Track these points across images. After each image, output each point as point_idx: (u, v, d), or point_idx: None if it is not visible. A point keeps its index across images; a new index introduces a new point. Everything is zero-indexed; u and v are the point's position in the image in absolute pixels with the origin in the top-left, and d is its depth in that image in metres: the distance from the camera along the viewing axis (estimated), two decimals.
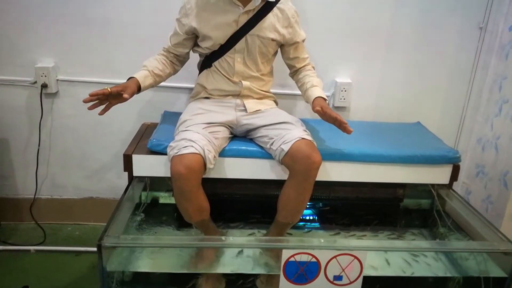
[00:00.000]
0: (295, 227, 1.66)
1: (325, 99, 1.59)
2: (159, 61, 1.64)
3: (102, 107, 1.47)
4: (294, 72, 1.76)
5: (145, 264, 1.48)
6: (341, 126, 1.46)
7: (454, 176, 1.70)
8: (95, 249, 1.27)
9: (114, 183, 2.12)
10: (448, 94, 2.08)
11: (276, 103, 1.78)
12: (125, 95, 1.44)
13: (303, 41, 1.69)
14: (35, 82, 1.92)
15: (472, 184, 2.10)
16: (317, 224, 1.86)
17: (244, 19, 1.57)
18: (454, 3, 1.93)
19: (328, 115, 1.47)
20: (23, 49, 1.90)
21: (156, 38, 1.87)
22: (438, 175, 1.69)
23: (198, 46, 1.66)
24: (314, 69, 1.74)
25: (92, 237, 2.07)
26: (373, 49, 1.99)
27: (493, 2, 1.92)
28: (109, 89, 1.42)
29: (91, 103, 1.43)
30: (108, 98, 1.45)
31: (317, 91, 1.61)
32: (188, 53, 1.70)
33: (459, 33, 1.98)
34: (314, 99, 1.58)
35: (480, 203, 2.02)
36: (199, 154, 1.39)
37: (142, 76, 1.56)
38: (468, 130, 2.12)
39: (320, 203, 1.87)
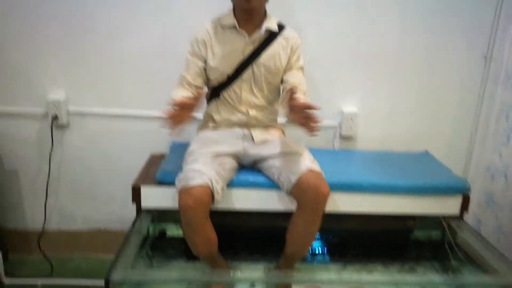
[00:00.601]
0: (304, 260, 1.64)
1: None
2: (187, 90, 1.61)
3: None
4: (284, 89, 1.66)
5: None
6: (310, 119, 1.29)
7: (465, 206, 1.68)
8: (102, 282, 1.26)
9: (123, 214, 2.11)
10: (456, 123, 2.08)
11: (283, 133, 1.79)
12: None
13: (301, 68, 1.69)
14: (46, 114, 1.96)
15: (482, 214, 2.07)
16: (326, 257, 1.83)
17: (250, 49, 1.61)
18: (459, 33, 1.95)
19: (298, 104, 1.34)
20: (35, 82, 1.94)
21: (166, 71, 1.92)
22: (448, 206, 1.68)
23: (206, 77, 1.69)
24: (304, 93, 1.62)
25: (100, 270, 2.04)
26: (379, 79, 2.01)
27: (497, 32, 1.94)
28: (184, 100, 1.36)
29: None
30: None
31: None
32: (204, 83, 1.69)
33: (464, 62, 1.99)
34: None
35: (491, 233, 1.98)
36: (207, 186, 1.40)
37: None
38: (477, 159, 2.11)
39: (329, 235, 1.85)
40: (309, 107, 1.28)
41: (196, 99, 1.39)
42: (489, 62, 1.99)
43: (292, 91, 1.40)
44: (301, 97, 1.40)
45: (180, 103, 1.33)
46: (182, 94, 1.55)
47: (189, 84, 1.62)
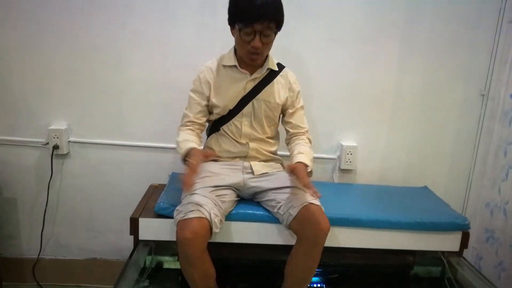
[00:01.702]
0: None
1: (306, 165, 1.53)
2: (192, 135, 1.62)
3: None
4: (289, 139, 1.75)
5: None
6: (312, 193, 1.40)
7: (464, 243, 1.67)
8: None
9: (119, 244, 2.10)
10: (454, 159, 2.10)
11: (283, 166, 1.80)
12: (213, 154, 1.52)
13: (302, 108, 1.73)
14: (47, 143, 1.97)
15: (482, 250, 2.05)
16: None
17: (250, 86, 1.64)
18: (456, 71, 1.99)
19: (300, 180, 1.42)
20: (37, 111, 1.96)
21: (167, 103, 1.97)
22: (448, 242, 1.67)
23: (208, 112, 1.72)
24: (310, 141, 1.71)
25: None
26: (378, 114, 2.04)
27: (493, 70, 1.98)
28: (194, 163, 1.40)
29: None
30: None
31: (300, 157, 1.56)
32: (206, 120, 1.72)
33: (462, 100, 2.03)
34: (295, 162, 1.54)
35: (492, 269, 1.97)
36: (206, 219, 1.39)
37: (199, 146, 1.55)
38: (476, 195, 2.11)
39: (329, 270, 1.82)
40: (308, 187, 1.38)
41: (206, 157, 1.45)
42: (486, 100, 2.02)
43: (295, 170, 1.46)
44: (304, 179, 1.42)
45: (192, 169, 1.38)
46: (187, 139, 1.56)
47: (193, 123, 1.65)
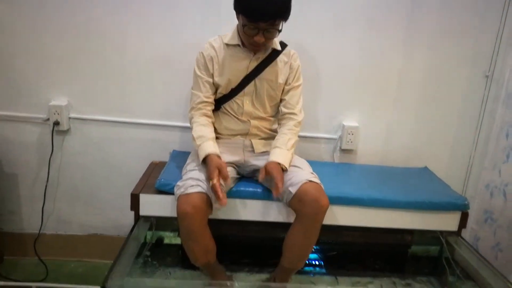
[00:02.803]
0: (301, 272, 1.64)
1: (279, 163, 1.53)
2: (207, 126, 1.61)
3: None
4: (280, 120, 1.72)
5: None
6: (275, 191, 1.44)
7: (463, 223, 1.68)
8: (97, 287, 1.25)
9: (120, 220, 2.11)
10: (456, 140, 2.09)
11: None
12: (228, 181, 1.48)
13: (298, 86, 1.70)
14: (48, 120, 1.96)
15: (481, 231, 2.07)
16: (323, 269, 1.83)
17: (253, 65, 1.63)
18: (461, 52, 1.97)
19: (275, 180, 1.44)
20: (38, 88, 1.94)
21: (168, 81, 1.95)
22: (447, 222, 1.68)
23: None
24: (299, 124, 1.68)
25: (95, 275, 2.04)
26: (381, 94, 2.02)
27: (499, 51, 1.96)
28: (215, 181, 1.39)
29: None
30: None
31: (274, 155, 1.56)
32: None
33: (466, 81, 2.01)
34: (268, 163, 1.54)
35: (489, 250, 1.98)
36: (206, 194, 1.40)
37: (214, 147, 1.54)
38: (476, 176, 2.11)
39: (327, 248, 1.84)
40: (275, 187, 1.43)
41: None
42: (490, 81, 2.00)
43: (266, 171, 1.49)
44: (274, 174, 1.46)
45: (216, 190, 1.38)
46: (203, 135, 1.55)
47: (205, 103, 1.63)
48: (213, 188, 1.39)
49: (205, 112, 1.63)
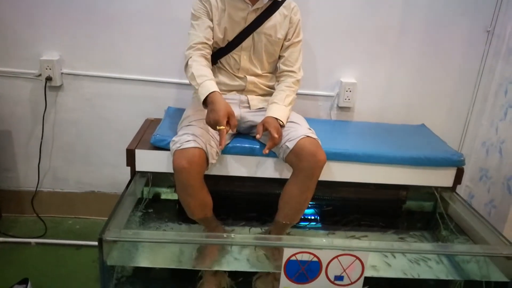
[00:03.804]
0: (296, 226, 1.66)
1: (276, 119, 1.51)
2: (207, 67, 1.52)
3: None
4: (278, 77, 1.69)
5: (146, 260, 1.48)
6: (269, 143, 1.45)
7: (458, 179, 1.69)
8: (95, 243, 1.27)
9: (116, 177, 2.11)
10: (454, 97, 2.07)
11: None
12: (234, 130, 1.41)
13: (299, 42, 1.66)
14: (40, 75, 1.92)
15: (475, 188, 2.09)
16: (318, 224, 1.85)
17: (252, 17, 1.58)
18: (462, 6, 1.92)
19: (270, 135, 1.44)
20: (28, 42, 1.89)
21: (162, 36, 1.90)
22: (442, 177, 1.69)
23: None
24: (298, 82, 1.66)
25: (93, 231, 2.07)
26: (379, 50, 1.98)
27: (501, 6, 1.91)
28: (223, 127, 1.35)
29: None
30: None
31: (271, 110, 1.54)
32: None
33: (466, 36, 1.97)
34: (265, 117, 1.53)
35: (483, 207, 2.01)
36: (202, 149, 1.40)
37: (216, 86, 1.44)
38: (473, 134, 2.11)
39: (322, 203, 1.86)
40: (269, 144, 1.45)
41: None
42: (491, 37, 1.96)
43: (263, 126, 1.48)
44: (271, 132, 1.44)
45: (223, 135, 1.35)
46: (203, 74, 1.45)
47: (204, 45, 1.54)
48: (220, 134, 1.34)
49: (205, 54, 1.54)
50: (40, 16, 1.86)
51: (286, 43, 1.64)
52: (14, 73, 1.93)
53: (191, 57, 1.51)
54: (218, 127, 1.35)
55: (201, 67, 1.48)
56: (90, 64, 1.95)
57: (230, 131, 1.41)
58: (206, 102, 1.41)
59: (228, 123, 1.36)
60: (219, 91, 1.42)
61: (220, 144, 1.35)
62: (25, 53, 1.90)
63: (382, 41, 1.97)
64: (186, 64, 1.52)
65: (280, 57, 1.67)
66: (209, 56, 1.57)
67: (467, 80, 2.04)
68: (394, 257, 1.54)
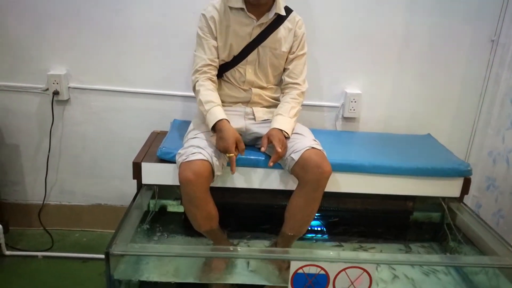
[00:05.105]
0: (303, 238, 1.65)
1: (281, 130, 1.52)
2: (214, 90, 1.57)
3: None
4: (283, 90, 1.70)
5: (152, 273, 1.48)
6: (273, 156, 1.47)
7: (465, 189, 1.68)
8: (102, 256, 1.27)
9: (123, 190, 2.12)
10: (459, 107, 2.07)
11: None
12: (243, 154, 1.48)
13: (303, 55, 1.67)
14: (47, 89, 1.94)
15: (482, 198, 2.07)
16: (325, 236, 1.84)
17: (257, 32, 1.59)
18: (466, 16, 1.92)
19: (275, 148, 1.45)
20: (36, 57, 1.92)
21: (169, 49, 1.92)
22: (449, 188, 1.68)
23: None
24: (303, 94, 1.67)
25: (99, 244, 2.07)
26: (384, 60, 1.99)
27: (505, 15, 1.91)
28: (233, 154, 1.43)
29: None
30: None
31: (276, 122, 1.55)
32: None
33: (471, 45, 1.97)
34: (270, 130, 1.53)
35: (490, 217, 1.99)
36: (207, 161, 1.40)
37: (223, 113, 1.51)
38: (479, 143, 2.10)
39: (329, 215, 1.85)
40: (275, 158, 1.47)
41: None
42: (496, 46, 1.96)
43: (268, 139, 1.50)
44: (276, 145, 1.46)
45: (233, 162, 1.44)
46: (211, 100, 1.51)
47: (209, 67, 1.58)
48: (230, 161, 1.43)
49: (210, 77, 1.58)
50: (47, 31, 1.88)
51: (291, 56, 1.65)
52: (22, 88, 1.96)
53: (197, 81, 1.57)
54: (227, 155, 1.43)
55: (208, 92, 1.53)
56: (97, 78, 1.97)
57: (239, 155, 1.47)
58: (214, 129, 1.48)
59: (236, 148, 1.44)
60: (226, 118, 1.48)
61: (231, 170, 1.44)
62: (33, 68, 1.93)
63: (386, 51, 1.97)
64: (194, 88, 1.59)
65: (284, 69, 1.68)
66: (215, 77, 1.61)
67: (473, 89, 2.04)
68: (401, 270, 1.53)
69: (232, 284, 1.51)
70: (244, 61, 1.62)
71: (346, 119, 2.07)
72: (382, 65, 2.00)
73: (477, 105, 2.06)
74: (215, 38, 1.58)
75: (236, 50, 1.60)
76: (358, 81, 2.02)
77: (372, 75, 2.01)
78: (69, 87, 1.96)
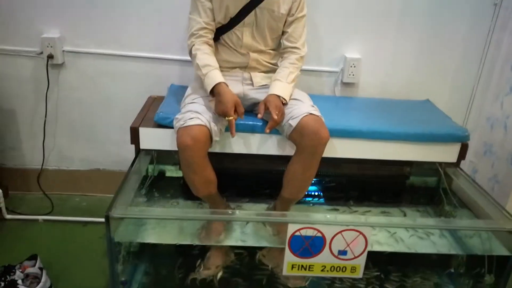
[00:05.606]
0: (301, 202, 1.67)
1: (278, 96, 1.50)
2: (210, 54, 1.54)
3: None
4: (282, 53, 1.67)
5: (152, 236, 1.50)
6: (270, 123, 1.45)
7: (462, 154, 1.69)
8: (102, 219, 1.28)
9: (121, 155, 2.12)
10: (459, 72, 2.05)
11: None
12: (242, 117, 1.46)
13: (302, 17, 1.63)
14: (41, 53, 1.90)
15: (479, 163, 2.09)
16: (322, 200, 1.87)
17: None
18: None
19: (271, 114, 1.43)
20: (29, 19, 1.87)
21: (165, 12, 1.87)
22: (446, 153, 1.68)
23: None
24: (302, 59, 1.64)
25: (99, 208, 2.09)
26: (384, 25, 1.95)
27: None
28: (232, 118, 1.42)
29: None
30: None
31: (274, 88, 1.53)
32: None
33: (472, 10, 1.93)
34: (267, 96, 1.51)
35: (486, 182, 2.01)
36: (205, 126, 1.40)
37: (222, 76, 1.49)
38: (478, 109, 2.10)
39: (326, 180, 1.87)
40: (271, 124, 1.44)
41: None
42: (499, 9, 1.92)
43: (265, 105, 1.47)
44: (272, 111, 1.44)
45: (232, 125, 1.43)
46: (208, 63, 1.49)
47: (206, 30, 1.55)
48: (230, 124, 1.42)
49: (207, 40, 1.56)
50: None
51: (290, 19, 1.62)
52: (15, 51, 1.92)
53: (193, 46, 1.54)
54: (227, 118, 1.41)
55: (205, 56, 1.51)
56: (92, 42, 1.93)
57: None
58: (212, 92, 1.46)
59: (235, 111, 1.43)
60: (224, 81, 1.47)
61: (231, 134, 1.43)
62: (26, 31, 1.89)
63: (386, 15, 1.93)
64: (190, 52, 1.56)
65: (283, 33, 1.65)
66: (211, 41, 1.58)
67: (473, 55, 2.01)
68: (396, 232, 1.56)
69: (231, 246, 1.54)
70: (241, 24, 1.58)
71: (345, 84, 2.05)
72: (382, 30, 1.96)
73: (477, 71, 2.04)
74: (210, 0, 1.54)
75: (233, 11, 1.56)
76: (358, 46, 1.99)
77: (372, 40, 1.98)
78: (63, 51, 1.93)
